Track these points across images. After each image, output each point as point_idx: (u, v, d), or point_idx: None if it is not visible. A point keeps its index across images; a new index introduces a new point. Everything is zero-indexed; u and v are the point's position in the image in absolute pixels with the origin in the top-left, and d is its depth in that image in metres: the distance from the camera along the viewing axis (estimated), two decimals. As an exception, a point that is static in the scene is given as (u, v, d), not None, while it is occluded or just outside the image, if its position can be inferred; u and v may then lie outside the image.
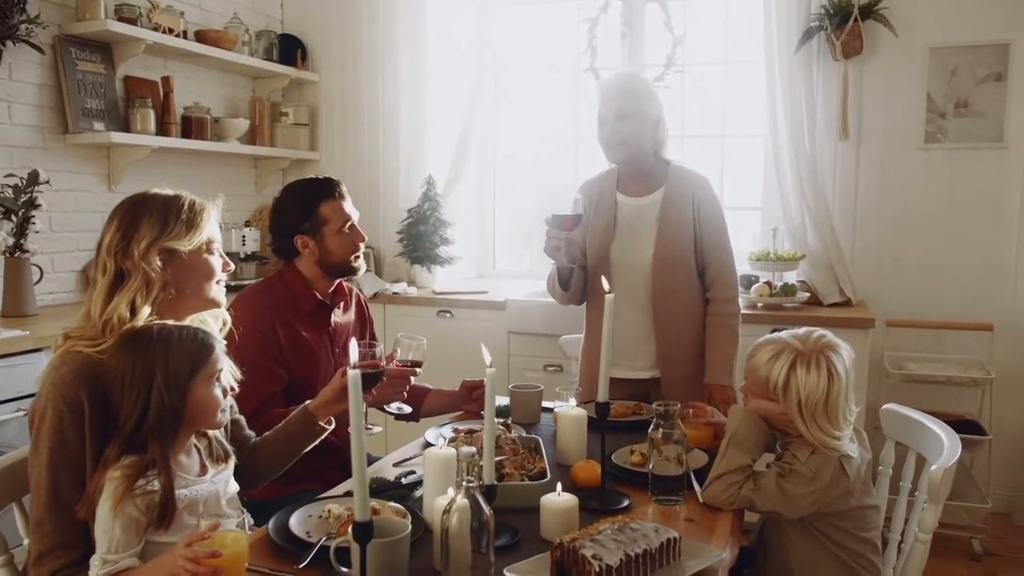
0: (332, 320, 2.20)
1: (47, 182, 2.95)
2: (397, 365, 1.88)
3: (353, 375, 1.08)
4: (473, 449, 1.20)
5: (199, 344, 1.42)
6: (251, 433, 1.78)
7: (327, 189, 2.15)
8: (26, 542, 1.52)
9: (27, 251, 2.91)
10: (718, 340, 2.33)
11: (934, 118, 3.54)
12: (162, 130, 3.52)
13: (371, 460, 2.18)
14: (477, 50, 4.08)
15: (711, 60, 3.96)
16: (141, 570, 1.29)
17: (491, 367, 1.37)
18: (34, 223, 2.91)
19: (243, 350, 1.74)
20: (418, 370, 1.93)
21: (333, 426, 1.79)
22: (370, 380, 1.77)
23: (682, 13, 3.86)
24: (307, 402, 1.78)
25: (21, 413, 2.45)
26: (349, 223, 2.15)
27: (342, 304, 2.25)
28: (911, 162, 3.58)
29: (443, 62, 4.12)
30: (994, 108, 3.46)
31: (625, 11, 3.93)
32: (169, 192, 1.56)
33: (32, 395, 2.45)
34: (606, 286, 1.64)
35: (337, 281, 2.21)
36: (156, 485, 1.32)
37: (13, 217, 2.88)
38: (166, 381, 1.36)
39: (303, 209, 2.13)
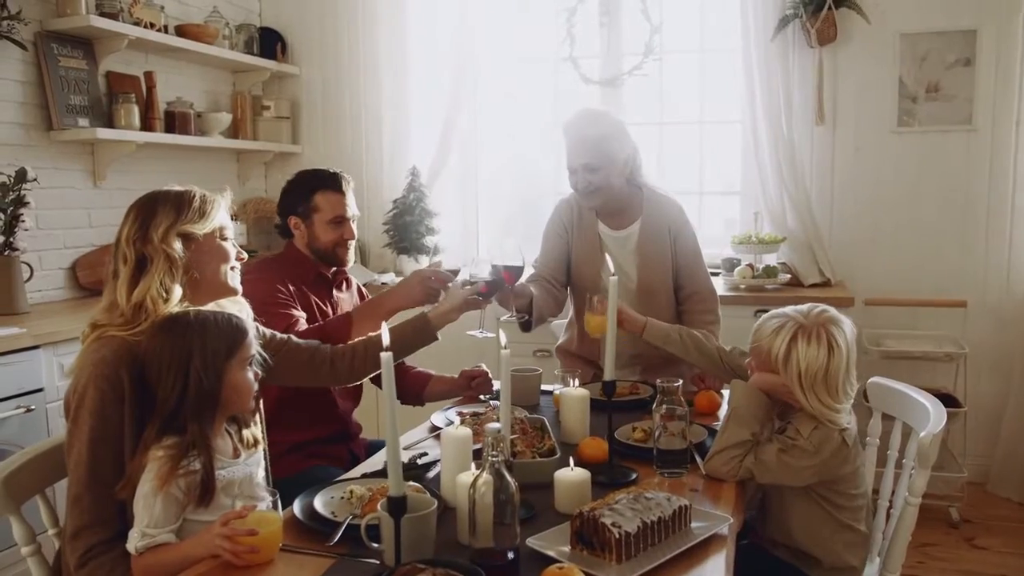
0: (334, 294, 2.32)
1: (35, 180, 2.94)
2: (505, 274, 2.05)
3: (386, 357, 1.13)
4: (499, 425, 1.25)
5: (234, 329, 1.47)
6: (304, 342, 1.91)
7: (328, 180, 2.26)
8: (51, 531, 1.56)
9: (17, 249, 2.90)
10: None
11: (906, 102, 3.65)
12: (146, 125, 3.51)
13: (378, 446, 2.25)
14: (457, 40, 4.10)
15: (689, 48, 4.02)
16: (179, 546, 1.34)
17: (506, 348, 1.42)
18: (23, 221, 2.91)
19: (256, 302, 1.93)
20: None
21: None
22: (493, 287, 2.04)
23: (659, 1, 3.92)
24: (424, 310, 2.00)
25: (21, 410, 2.46)
26: (339, 216, 2.25)
27: (344, 284, 2.37)
28: (885, 145, 3.69)
29: (424, 53, 4.15)
30: (963, 92, 3.57)
31: (603, 0, 3.99)
32: (179, 187, 1.62)
33: (31, 391, 2.50)
34: (610, 266, 1.70)
35: (335, 268, 2.32)
36: (197, 465, 1.37)
37: (1, 215, 2.87)
38: (204, 363, 1.40)
39: (301, 193, 2.26)
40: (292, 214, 2.27)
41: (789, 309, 1.73)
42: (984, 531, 3.22)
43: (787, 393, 1.68)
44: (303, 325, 2.10)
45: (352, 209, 2.29)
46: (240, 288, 1.67)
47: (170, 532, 1.35)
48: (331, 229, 2.24)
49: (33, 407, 2.49)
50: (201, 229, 1.57)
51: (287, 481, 1.83)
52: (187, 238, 1.55)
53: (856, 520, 1.73)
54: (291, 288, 2.19)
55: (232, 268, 1.65)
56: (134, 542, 1.34)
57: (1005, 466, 3.53)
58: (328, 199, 2.24)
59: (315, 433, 2.21)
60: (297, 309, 2.16)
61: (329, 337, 2.02)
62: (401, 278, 3.99)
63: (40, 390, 2.53)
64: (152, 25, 3.47)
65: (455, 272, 2.09)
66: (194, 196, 1.59)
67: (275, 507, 1.32)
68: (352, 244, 2.30)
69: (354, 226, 2.30)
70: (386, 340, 1.15)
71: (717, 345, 2.09)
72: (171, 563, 1.32)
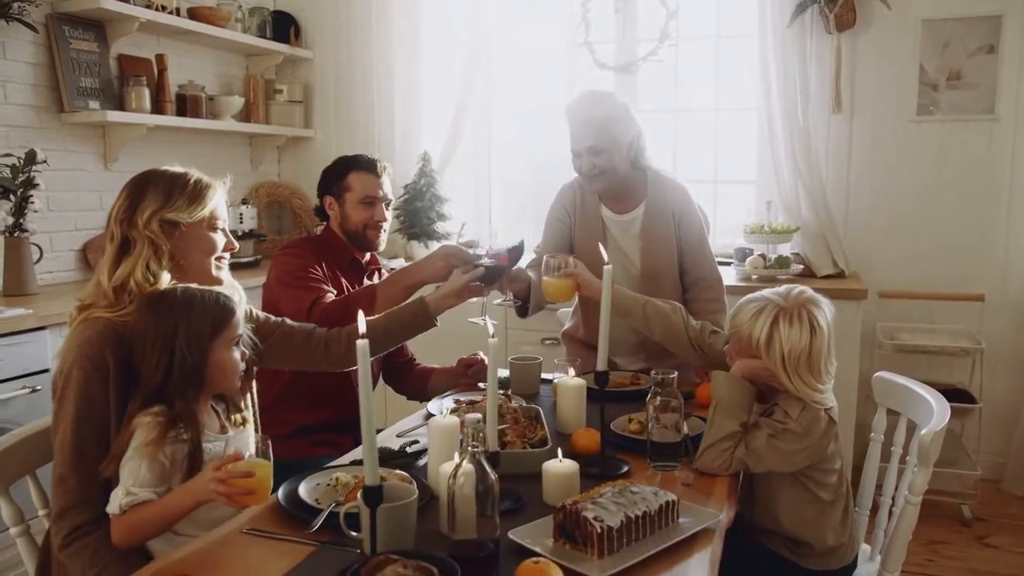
0: (365, 282, 2.35)
1: (44, 161, 2.95)
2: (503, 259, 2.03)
3: (361, 345, 1.11)
4: (479, 415, 1.23)
5: (220, 307, 1.46)
6: (299, 325, 1.88)
7: (363, 162, 2.32)
8: (40, 513, 1.56)
9: (26, 230, 2.92)
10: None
11: (926, 90, 3.56)
12: (157, 108, 3.52)
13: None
14: (471, 24, 4.06)
15: (705, 34, 3.95)
16: (160, 501, 1.34)
17: (493, 337, 1.40)
18: (32, 202, 2.92)
19: (288, 275, 2.05)
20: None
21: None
22: (495, 273, 2.01)
23: (676, -14, 3.85)
24: (423, 296, 1.97)
25: (26, 391, 2.48)
26: (370, 197, 2.28)
27: (376, 275, 2.40)
28: (904, 134, 3.61)
29: (437, 37, 4.13)
30: (986, 80, 3.48)
31: (619, -15, 3.92)
32: (179, 169, 1.60)
33: (36, 372, 2.52)
34: (604, 256, 1.67)
35: (370, 254, 2.38)
36: (185, 436, 1.37)
37: (11, 197, 2.88)
38: (188, 341, 1.40)
39: (336, 174, 2.33)
40: (327, 194, 2.33)
41: (767, 292, 1.69)
42: (996, 529, 3.16)
43: (770, 377, 1.64)
44: (330, 299, 2.12)
45: (385, 192, 2.32)
46: (225, 279, 1.64)
47: (154, 493, 1.35)
48: (362, 209, 2.28)
49: (39, 387, 2.51)
50: (188, 217, 1.55)
51: (285, 465, 1.83)
52: (172, 225, 1.53)
53: (837, 495, 1.71)
54: (325, 271, 2.22)
55: (218, 259, 1.62)
56: (117, 501, 1.33)
57: (1020, 464, 3.46)
58: (360, 178, 2.29)
59: (325, 416, 2.22)
60: (327, 285, 2.18)
61: (352, 308, 2.02)
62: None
63: (46, 371, 2.55)
64: (164, 8, 3.47)
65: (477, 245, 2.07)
66: (188, 181, 1.57)
67: (265, 454, 1.31)
68: (384, 228, 2.33)
69: (387, 212, 2.33)
70: (362, 328, 1.13)
71: (686, 321, 2.00)
72: (152, 519, 1.33)
